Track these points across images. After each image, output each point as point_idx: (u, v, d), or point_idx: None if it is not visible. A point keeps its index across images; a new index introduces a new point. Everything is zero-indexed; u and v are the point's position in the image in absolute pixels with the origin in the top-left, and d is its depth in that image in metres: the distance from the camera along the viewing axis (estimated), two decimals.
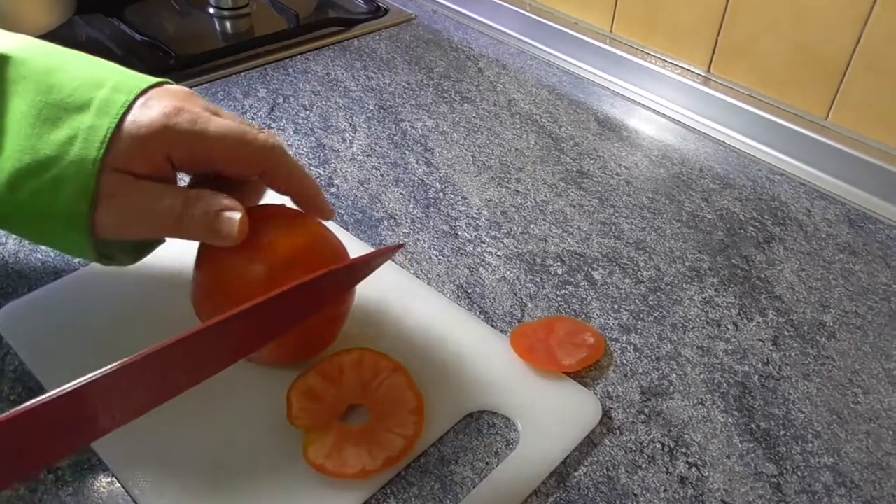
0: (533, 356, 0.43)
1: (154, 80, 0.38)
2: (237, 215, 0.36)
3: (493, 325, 0.47)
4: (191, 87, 0.70)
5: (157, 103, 0.36)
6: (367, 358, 0.41)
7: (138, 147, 0.35)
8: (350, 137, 0.64)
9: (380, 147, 0.63)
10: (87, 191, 0.35)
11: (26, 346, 0.42)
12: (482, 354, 0.43)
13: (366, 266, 0.37)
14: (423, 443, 0.39)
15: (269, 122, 0.66)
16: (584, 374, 0.44)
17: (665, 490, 0.38)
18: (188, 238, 0.37)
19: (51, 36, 0.70)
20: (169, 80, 0.39)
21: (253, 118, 0.66)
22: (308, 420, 0.38)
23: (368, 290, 0.47)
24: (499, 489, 0.37)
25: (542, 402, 0.41)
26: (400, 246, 0.40)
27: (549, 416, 0.40)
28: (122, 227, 0.36)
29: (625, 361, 0.45)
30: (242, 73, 0.73)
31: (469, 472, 0.38)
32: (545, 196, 0.59)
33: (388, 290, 0.47)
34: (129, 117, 0.35)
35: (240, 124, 0.37)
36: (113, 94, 0.36)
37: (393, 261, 0.51)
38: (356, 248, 0.51)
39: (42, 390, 0.40)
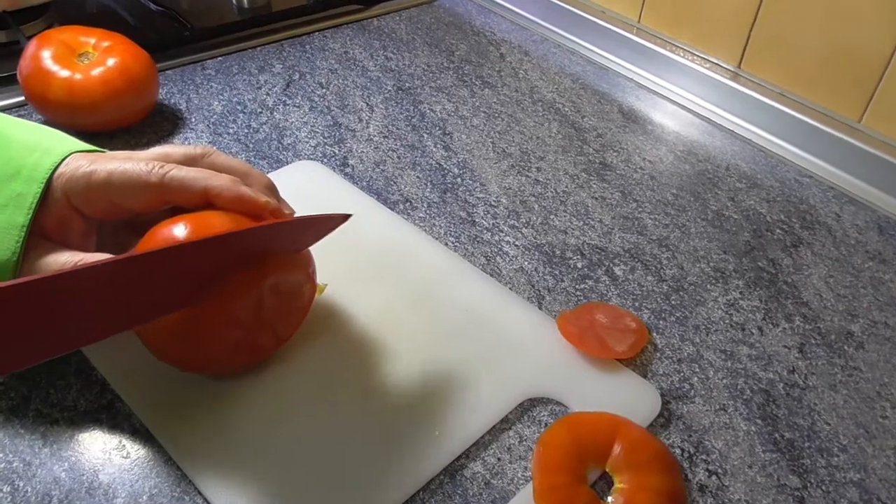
0: (585, 344, 0.42)
1: (86, 146, 0.38)
2: None
3: None
4: (205, 60, 0.68)
5: (72, 162, 0.36)
6: None
7: (48, 206, 0.36)
8: (367, 118, 0.63)
9: (397, 129, 0.61)
10: (11, 257, 0.35)
11: None
12: (534, 341, 0.43)
13: (307, 227, 0.37)
14: (480, 428, 0.38)
15: (284, 98, 0.64)
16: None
17: None
18: None
19: (62, 2, 0.68)
20: (100, 149, 0.39)
21: (268, 94, 0.64)
22: None
23: (414, 269, 0.47)
24: None
25: (601, 392, 0.40)
26: (346, 216, 0.39)
27: (608, 405, 0.39)
28: None
29: (644, 361, 0.43)
30: (258, 48, 0.71)
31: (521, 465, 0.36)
32: (566, 187, 0.57)
33: (434, 270, 0.47)
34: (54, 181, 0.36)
35: (140, 163, 0.36)
36: (41, 159, 0.36)
37: (437, 239, 0.49)
38: (371, 229, 0.49)
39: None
